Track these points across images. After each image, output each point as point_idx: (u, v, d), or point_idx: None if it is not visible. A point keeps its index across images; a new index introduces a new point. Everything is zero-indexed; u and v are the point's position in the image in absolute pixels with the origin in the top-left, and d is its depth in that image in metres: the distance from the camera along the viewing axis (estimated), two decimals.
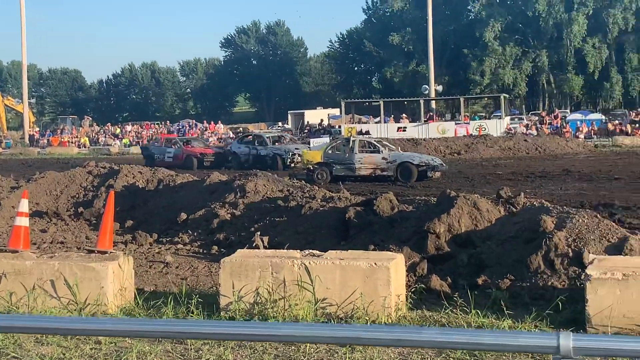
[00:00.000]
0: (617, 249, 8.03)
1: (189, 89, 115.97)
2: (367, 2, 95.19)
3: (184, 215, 13.49)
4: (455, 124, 45.57)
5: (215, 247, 11.64)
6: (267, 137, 33.77)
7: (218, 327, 3.20)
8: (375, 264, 7.22)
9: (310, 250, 7.87)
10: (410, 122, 48.27)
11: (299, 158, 29.38)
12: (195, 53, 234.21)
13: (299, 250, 7.87)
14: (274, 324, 5.37)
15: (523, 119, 56.53)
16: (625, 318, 6.45)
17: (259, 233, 10.86)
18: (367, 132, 41.72)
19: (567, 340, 2.56)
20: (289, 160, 31.02)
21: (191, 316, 7.21)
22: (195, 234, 12.61)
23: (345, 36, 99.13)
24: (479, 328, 6.66)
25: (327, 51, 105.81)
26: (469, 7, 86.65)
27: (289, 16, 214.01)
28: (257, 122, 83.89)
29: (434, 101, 54.03)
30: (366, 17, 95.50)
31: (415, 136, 41.05)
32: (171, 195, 15.27)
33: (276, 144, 33.46)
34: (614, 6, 79.24)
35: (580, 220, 8.63)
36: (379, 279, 7.15)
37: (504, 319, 6.81)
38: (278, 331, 2.99)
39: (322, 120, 59.42)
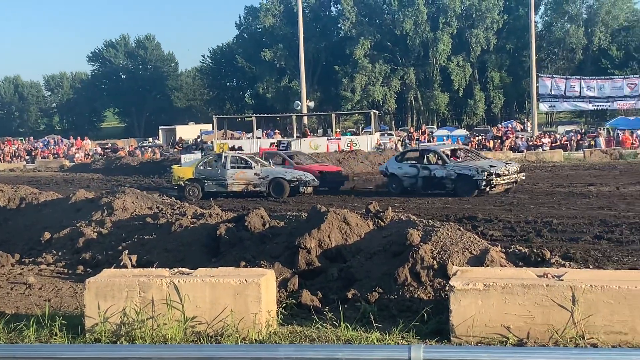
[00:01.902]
0: (479, 260, 8.33)
1: (54, 104, 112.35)
2: (239, 18, 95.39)
3: (47, 235, 13.01)
4: (327, 139, 46.10)
5: (81, 267, 11.28)
6: (442, 152, 24.61)
7: (82, 351, 3.10)
8: (245, 280, 7.18)
9: (180, 269, 7.73)
10: (282, 137, 48.51)
11: (499, 180, 22.38)
12: (61, 67, 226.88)
13: (168, 269, 7.71)
14: (134, 346, 5.24)
15: (392, 135, 57.94)
16: (487, 327, 6.67)
17: (126, 252, 10.60)
18: (240, 148, 41.59)
19: (418, 352, 2.65)
20: (483, 182, 22.23)
21: (55, 339, 6.93)
22: (59, 253, 12.17)
23: (217, 51, 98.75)
24: (347, 342, 6.73)
25: (199, 66, 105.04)
26: (339, 25, 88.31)
27: (159, 30, 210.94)
28: (126, 138, 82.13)
29: (305, 117, 54.51)
30: (238, 32, 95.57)
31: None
32: (34, 214, 14.72)
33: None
34: (476, 26, 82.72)
35: (444, 233, 8.90)
36: (250, 296, 7.11)
37: (373, 332, 6.90)
38: (136, 353, 2.92)
39: (198, 137, 58.95)
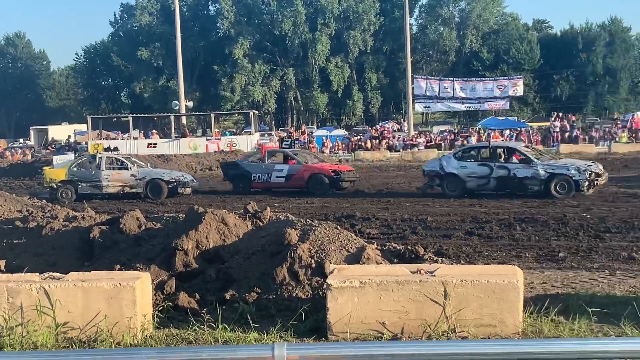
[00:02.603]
0: (356, 258, 8.45)
1: None
2: (114, 15, 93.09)
3: None
4: (207, 139, 45.74)
5: None
6: (524, 149, 22.20)
7: None
8: (119, 284, 7.01)
9: (51, 273, 7.46)
10: (160, 138, 47.75)
11: (599, 180, 20.09)
12: None
13: (38, 274, 7.43)
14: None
15: (273, 135, 58.06)
16: (363, 324, 6.78)
17: None
18: (116, 149, 40.63)
19: (281, 350, 2.68)
20: (586, 183, 19.73)
21: None
22: None
23: (91, 49, 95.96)
24: (224, 343, 6.68)
25: (72, 64, 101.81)
26: (217, 24, 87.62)
27: (29, 27, 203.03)
28: None
29: (184, 117, 53.85)
30: (113, 30, 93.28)
31: (166, 152, 40.65)
32: None
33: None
34: (354, 28, 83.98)
35: (322, 232, 8.97)
36: (124, 300, 6.95)
37: (251, 332, 6.88)
38: None
39: (69, 137, 57.11)
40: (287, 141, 35.88)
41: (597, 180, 19.89)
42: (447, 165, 21.52)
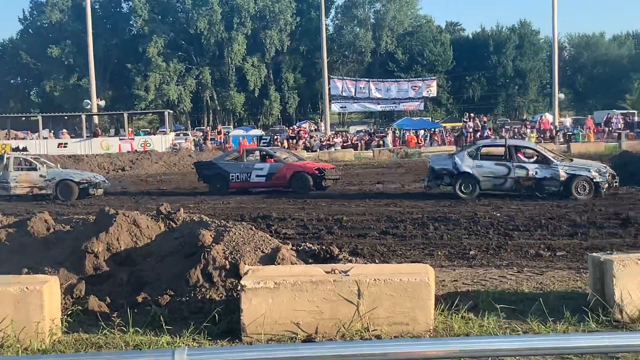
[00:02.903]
0: (271, 258, 8.42)
1: None
2: (23, 12, 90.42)
3: None
4: (120, 139, 44.92)
5: None
6: (541, 149, 21.53)
7: None
8: (27, 288, 6.81)
9: None
10: (71, 137, 46.62)
11: (614, 180, 19.74)
12: None
13: None
14: None
15: (188, 135, 57.45)
16: (277, 324, 6.77)
17: None
18: (24, 149, 39.47)
19: (182, 355, 2.64)
20: (605, 185, 19.37)
21: None
22: None
23: None
24: (135, 347, 6.57)
25: None
26: (131, 22, 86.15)
27: None
28: None
29: (96, 116, 52.72)
30: (22, 27, 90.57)
31: (77, 152, 39.73)
32: None
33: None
34: (270, 27, 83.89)
35: (237, 233, 8.91)
36: (32, 304, 6.76)
37: (163, 335, 6.78)
38: None
39: None
40: (265, 139, 33.66)
41: (614, 181, 19.66)
42: (461, 163, 20.22)
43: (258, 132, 63.87)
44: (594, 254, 7.86)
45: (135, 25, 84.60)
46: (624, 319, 6.94)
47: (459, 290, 8.68)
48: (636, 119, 57.25)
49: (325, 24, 64.03)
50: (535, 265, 10.56)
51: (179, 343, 6.65)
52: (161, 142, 43.67)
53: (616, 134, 50.93)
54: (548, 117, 59.80)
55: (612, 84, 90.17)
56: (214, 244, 8.59)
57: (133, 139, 44.95)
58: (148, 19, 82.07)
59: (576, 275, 9.52)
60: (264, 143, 30.60)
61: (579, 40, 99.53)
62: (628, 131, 51.37)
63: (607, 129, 54.14)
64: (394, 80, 67.81)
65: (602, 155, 34.56)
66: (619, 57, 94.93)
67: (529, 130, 52.49)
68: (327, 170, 23.66)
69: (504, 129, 54.98)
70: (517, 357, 4.16)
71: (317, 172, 23.20)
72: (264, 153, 25.15)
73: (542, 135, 50.84)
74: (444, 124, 65.79)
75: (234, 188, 23.48)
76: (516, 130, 53.75)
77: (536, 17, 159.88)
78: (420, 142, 49.73)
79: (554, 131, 51.75)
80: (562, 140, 47.88)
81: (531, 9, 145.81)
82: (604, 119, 58.55)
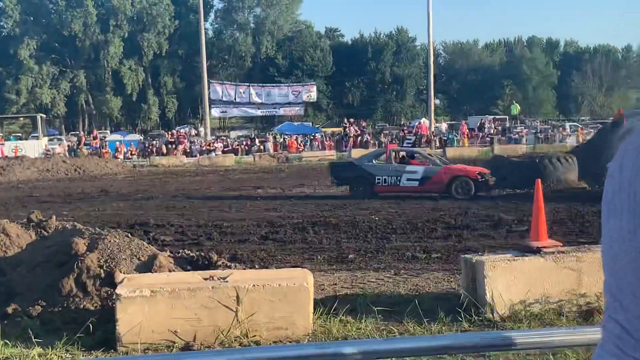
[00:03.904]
0: (147, 266, 8.26)
1: None
2: None
3: None
4: None
5: None
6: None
7: None
8: None
9: None
10: None
11: None
12: None
13: None
14: None
15: (62, 140, 55.67)
16: (154, 333, 6.64)
17: None
18: None
19: None
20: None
21: None
22: None
23: None
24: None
25: None
26: (1, 23, 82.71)
27: None
28: None
29: None
30: None
31: None
32: None
33: None
34: (148, 30, 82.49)
35: (112, 241, 8.68)
36: None
37: (34, 348, 6.53)
38: None
39: None
40: (409, 139, 28.92)
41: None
42: None
43: (136, 137, 62.62)
44: (467, 255, 8.12)
45: (5, 26, 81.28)
46: (495, 318, 7.19)
47: (337, 293, 8.77)
48: (507, 124, 59.64)
49: (205, 28, 63.56)
50: (412, 267, 10.79)
51: (51, 355, 6.42)
52: (34, 147, 42.16)
53: (489, 138, 52.93)
54: (425, 122, 61.48)
55: (485, 90, 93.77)
56: (87, 252, 8.34)
57: (3, 145, 43.20)
58: (19, 20, 79.05)
59: (450, 276, 9.80)
60: (408, 144, 26.19)
61: (454, 47, 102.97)
62: (500, 136, 53.47)
63: (480, 134, 56.17)
64: (274, 85, 68.09)
65: (476, 159, 35.84)
66: (491, 64, 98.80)
67: (406, 135, 53.79)
68: (487, 175, 21.69)
69: (382, 134, 56.09)
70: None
71: (479, 176, 21.35)
72: (417, 155, 22.72)
73: (419, 140, 52.20)
74: (324, 129, 66.53)
75: (380, 192, 21.27)
76: (394, 135, 54.98)
77: (412, 25, 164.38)
78: (300, 146, 50.09)
79: (430, 136, 53.22)
80: (438, 145, 49.30)
81: (407, 16, 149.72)
82: (478, 124, 60.73)
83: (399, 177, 21.22)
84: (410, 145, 22.38)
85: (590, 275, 7.45)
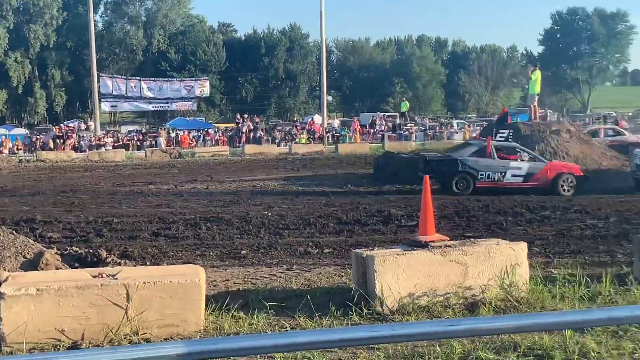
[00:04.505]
0: (34, 264, 8.03)
1: None
2: None
3: None
4: None
5: None
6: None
7: None
8: None
9: None
10: None
11: None
12: None
13: None
14: None
15: None
16: (40, 332, 6.45)
17: None
18: None
19: None
20: None
21: None
22: None
23: None
24: None
25: None
26: None
27: None
28: None
29: None
30: None
31: None
32: None
33: None
34: (35, 22, 79.73)
35: None
36: None
37: None
38: None
39: None
40: (502, 133, 27.49)
41: None
42: None
43: (22, 131, 60.46)
44: (357, 250, 8.25)
45: None
46: (385, 311, 7.34)
47: (230, 289, 8.76)
48: (398, 121, 60.81)
49: (94, 20, 61.85)
50: (304, 262, 10.89)
51: None
52: None
53: (380, 135, 53.85)
54: (317, 118, 61.95)
55: (376, 88, 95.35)
56: None
57: None
58: None
59: (342, 271, 9.95)
60: (500, 137, 24.82)
61: (346, 45, 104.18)
62: (391, 133, 54.47)
63: (372, 130, 57.07)
64: (166, 79, 67.07)
65: (367, 155, 36.43)
66: (383, 62, 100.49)
67: (299, 132, 54.07)
68: (587, 171, 21.97)
69: (275, 130, 56.18)
70: None
71: (582, 173, 21.28)
72: (522, 151, 21.96)
73: (312, 137, 52.55)
74: (217, 125, 66.06)
75: (483, 187, 20.56)
76: (287, 131, 55.16)
77: (305, 21, 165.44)
78: (192, 142, 49.57)
79: (323, 132, 53.66)
80: (330, 141, 49.77)
81: (301, 13, 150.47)
82: (369, 121, 61.69)
83: (503, 173, 20.76)
84: (503, 139, 22.30)
85: (475, 268, 7.72)
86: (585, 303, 7.58)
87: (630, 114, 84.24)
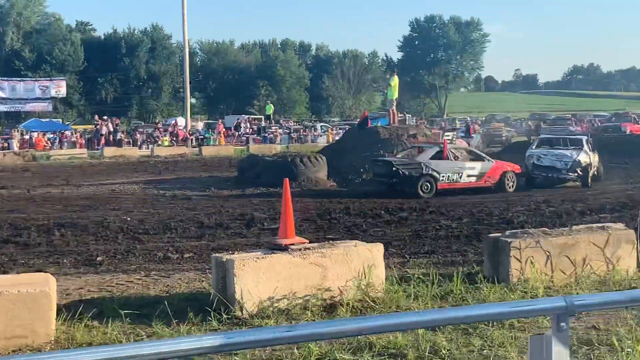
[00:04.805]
0: None
1: None
2: None
3: None
4: None
5: None
6: None
7: None
8: None
9: None
10: None
11: None
12: None
13: None
14: None
15: None
16: None
17: None
18: None
19: None
20: None
21: None
22: None
23: None
24: None
25: None
26: None
27: None
28: None
29: None
30: None
31: None
32: None
33: None
34: None
35: None
36: None
37: None
38: None
39: None
40: (447, 136, 26.59)
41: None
42: None
43: None
44: (217, 254, 8.16)
45: None
46: (244, 315, 7.30)
47: (84, 298, 8.45)
48: (263, 124, 60.88)
49: None
50: (163, 268, 10.66)
51: None
52: None
53: (245, 138, 53.75)
54: (181, 121, 61.11)
55: (241, 90, 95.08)
56: None
57: None
58: None
59: (202, 276, 9.81)
60: (447, 140, 25.03)
61: (210, 46, 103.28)
62: (255, 135, 54.49)
63: (236, 133, 56.88)
64: (20, 79, 64.34)
65: (231, 158, 36.25)
66: (247, 64, 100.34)
67: (162, 134, 53.14)
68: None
69: (137, 132, 54.93)
70: None
71: (520, 170, 22.86)
72: (472, 152, 23.38)
73: (174, 139, 51.75)
74: (75, 126, 63.91)
75: (442, 189, 21.13)
76: (149, 133, 54.08)
77: (168, 22, 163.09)
78: (47, 144, 47.71)
79: (186, 135, 52.97)
80: (194, 143, 49.19)
81: (163, 13, 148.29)
82: (234, 123, 61.47)
83: (460, 174, 21.57)
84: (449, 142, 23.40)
85: (334, 270, 7.81)
86: (438, 302, 7.83)
87: (484, 118, 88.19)
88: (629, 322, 6.80)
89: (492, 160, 22.90)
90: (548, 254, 8.70)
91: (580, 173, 22.94)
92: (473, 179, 21.83)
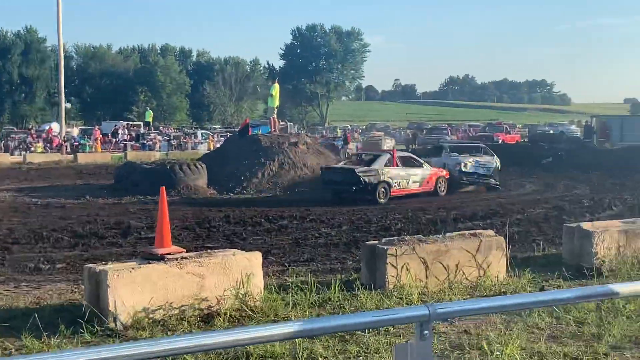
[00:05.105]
0: None
1: None
2: None
3: None
4: None
5: None
6: None
7: None
8: None
9: None
10: None
11: None
12: None
13: None
14: None
15: None
16: None
17: None
18: None
19: None
20: None
21: None
22: None
23: None
24: None
25: None
26: None
27: None
28: None
29: None
30: None
31: None
32: None
33: None
34: None
35: None
36: None
37: None
38: None
39: None
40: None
41: None
42: None
43: None
44: (90, 265, 7.92)
45: None
46: (118, 327, 7.10)
47: None
48: (142, 130, 59.68)
49: None
50: (34, 279, 10.27)
51: None
52: None
53: (122, 144, 52.51)
54: (55, 126, 59.11)
55: (119, 96, 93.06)
56: None
57: None
58: None
59: (75, 287, 9.50)
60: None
61: (87, 50, 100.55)
62: (134, 142, 53.33)
63: (114, 139, 55.49)
64: None
65: (108, 165, 35.35)
66: (126, 69, 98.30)
67: (35, 140, 51.25)
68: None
69: (9, 138, 52.73)
70: None
71: (448, 175, 24.06)
72: (413, 159, 24.05)
73: (49, 145, 50.01)
74: None
75: (393, 195, 22.03)
76: (22, 139, 52.02)
77: (42, 25, 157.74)
78: None
79: (60, 141, 51.28)
80: (69, 150, 47.64)
81: (37, 15, 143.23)
82: (112, 129, 59.94)
83: (407, 181, 22.59)
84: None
85: (212, 279, 7.73)
86: (316, 309, 7.88)
87: (364, 127, 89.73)
88: (499, 327, 7.04)
89: (430, 167, 23.93)
90: (423, 260, 8.92)
91: (496, 177, 25.71)
92: (417, 185, 22.96)
